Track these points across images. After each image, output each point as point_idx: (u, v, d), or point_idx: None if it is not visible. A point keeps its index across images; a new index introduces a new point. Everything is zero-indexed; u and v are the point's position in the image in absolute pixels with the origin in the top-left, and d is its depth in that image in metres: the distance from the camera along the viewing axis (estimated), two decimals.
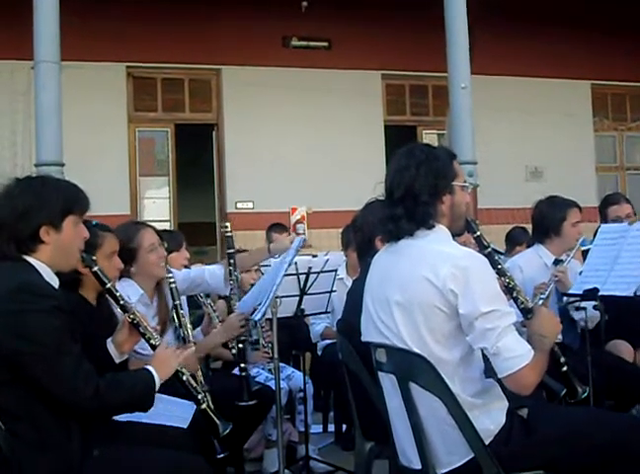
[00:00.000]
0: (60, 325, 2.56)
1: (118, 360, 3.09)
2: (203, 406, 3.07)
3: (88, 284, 3.29)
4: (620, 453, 2.77)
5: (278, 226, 7.67)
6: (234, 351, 4.51)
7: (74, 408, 2.59)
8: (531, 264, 4.54)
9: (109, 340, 3.10)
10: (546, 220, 4.64)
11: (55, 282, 2.72)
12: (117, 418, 3.00)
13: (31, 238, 2.66)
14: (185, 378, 3.01)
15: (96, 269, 2.99)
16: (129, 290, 3.78)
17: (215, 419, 3.12)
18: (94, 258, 3.01)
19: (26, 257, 2.67)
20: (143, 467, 2.70)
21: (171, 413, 3.37)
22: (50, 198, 2.70)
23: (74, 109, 8.11)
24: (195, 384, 3.06)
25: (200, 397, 3.07)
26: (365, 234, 3.66)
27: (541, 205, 4.72)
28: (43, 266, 2.68)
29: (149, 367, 2.81)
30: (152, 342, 3.03)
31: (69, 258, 2.79)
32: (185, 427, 3.31)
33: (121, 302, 3.05)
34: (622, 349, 4.58)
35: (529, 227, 7.98)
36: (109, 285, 3.02)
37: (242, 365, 4.41)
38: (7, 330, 2.49)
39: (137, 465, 2.70)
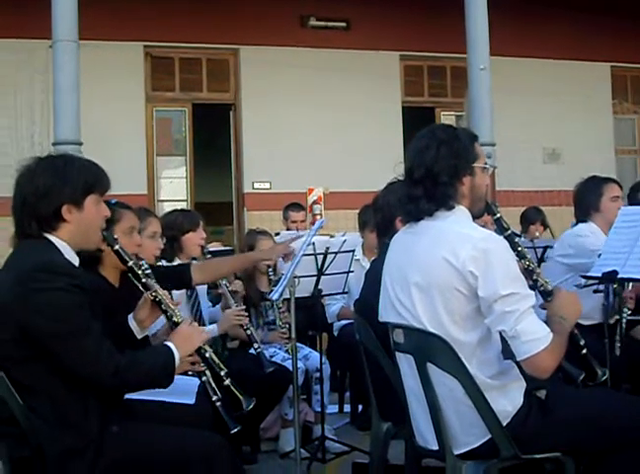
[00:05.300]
0: (80, 302, 2.57)
1: (140, 336, 3.12)
2: (226, 382, 3.07)
3: (107, 264, 3.30)
4: (637, 436, 2.77)
5: (294, 206, 7.66)
6: (249, 332, 4.56)
7: (95, 385, 2.61)
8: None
9: (130, 316, 3.12)
10: (585, 198, 4.65)
11: (76, 261, 2.73)
12: (131, 396, 3.02)
13: (53, 216, 2.67)
14: (208, 355, 3.01)
15: (117, 247, 2.99)
16: None
17: (238, 394, 3.13)
18: (116, 236, 3.01)
19: (47, 235, 2.68)
20: (162, 443, 2.71)
21: (174, 389, 3.37)
22: (72, 177, 2.70)
23: (92, 88, 8.11)
24: (217, 361, 3.06)
25: (222, 373, 3.07)
26: (386, 214, 3.65)
27: (579, 185, 4.74)
28: (64, 244, 2.70)
29: (169, 344, 2.82)
30: (175, 319, 3.02)
31: (91, 236, 2.80)
32: (192, 402, 3.31)
33: (143, 280, 3.05)
34: None
35: (547, 209, 8.01)
36: (130, 264, 3.01)
37: (255, 347, 4.48)
38: (29, 308, 2.51)
39: (156, 441, 2.71)
